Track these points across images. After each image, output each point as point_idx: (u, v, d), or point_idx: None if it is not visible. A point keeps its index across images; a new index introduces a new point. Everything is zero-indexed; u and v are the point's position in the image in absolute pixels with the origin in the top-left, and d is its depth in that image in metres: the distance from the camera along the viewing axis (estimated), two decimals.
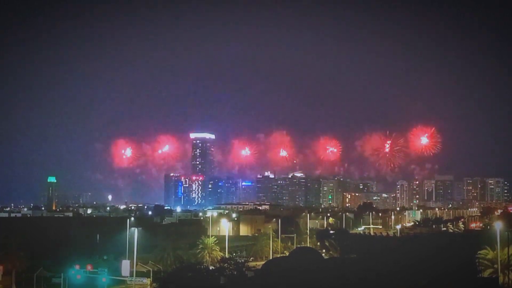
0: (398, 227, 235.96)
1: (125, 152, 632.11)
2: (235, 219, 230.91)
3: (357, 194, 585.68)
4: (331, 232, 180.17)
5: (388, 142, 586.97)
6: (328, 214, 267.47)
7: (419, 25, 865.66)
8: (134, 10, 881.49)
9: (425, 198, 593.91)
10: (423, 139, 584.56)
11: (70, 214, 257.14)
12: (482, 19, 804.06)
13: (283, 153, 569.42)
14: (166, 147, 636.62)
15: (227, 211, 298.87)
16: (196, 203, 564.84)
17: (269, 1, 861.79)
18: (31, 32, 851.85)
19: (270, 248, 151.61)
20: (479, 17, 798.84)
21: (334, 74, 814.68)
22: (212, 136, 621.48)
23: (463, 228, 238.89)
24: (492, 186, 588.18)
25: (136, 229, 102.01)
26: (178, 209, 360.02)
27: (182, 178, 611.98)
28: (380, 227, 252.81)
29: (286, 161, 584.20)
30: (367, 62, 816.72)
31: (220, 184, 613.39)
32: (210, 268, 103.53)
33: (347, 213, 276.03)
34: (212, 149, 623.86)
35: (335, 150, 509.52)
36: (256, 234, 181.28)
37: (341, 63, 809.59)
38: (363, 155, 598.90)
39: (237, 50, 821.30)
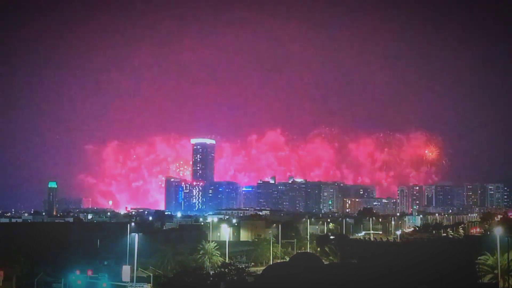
0: (398, 232, 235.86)
1: (126, 158, 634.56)
2: (236, 224, 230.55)
3: (357, 200, 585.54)
4: (331, 237, 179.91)
5: (388, 146, 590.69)
6: (328, 220, 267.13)
7: (419, 28, 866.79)
8: (134, 15, 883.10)
9: (425, 203, 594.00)
10: (423, 145, 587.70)
11: (71, 219, 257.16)
12: (482, 23, 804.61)
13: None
14: (167, 153, 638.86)
15: (227, 217, 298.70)
16: (196, 209, 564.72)
17: (265, 4, 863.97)
18: (31, 35, 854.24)
19: (270, 254, 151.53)
20: (480, 21, 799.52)
21: (334, 76, 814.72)
22: (213, 142, 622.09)
23: (463, 234, 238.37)
24: (492, 192, 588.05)
25: (136, 235, 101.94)
26: (179, 214, 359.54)
27: (183, 183, 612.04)
28: (380, 232, 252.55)
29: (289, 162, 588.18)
30: (367, 65, 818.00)
31: (220, 189, 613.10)
32: (211, 273, 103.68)
33: (347, 219, 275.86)
34: (213, 154, 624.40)
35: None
36: (257, 240, 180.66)
37: (341, 64, 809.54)
38: (363, 159, 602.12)
39: (237, 52, 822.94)
